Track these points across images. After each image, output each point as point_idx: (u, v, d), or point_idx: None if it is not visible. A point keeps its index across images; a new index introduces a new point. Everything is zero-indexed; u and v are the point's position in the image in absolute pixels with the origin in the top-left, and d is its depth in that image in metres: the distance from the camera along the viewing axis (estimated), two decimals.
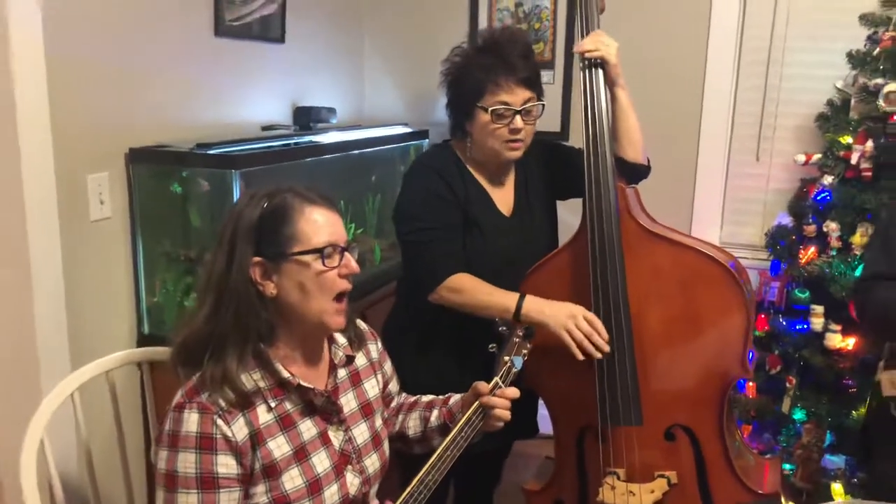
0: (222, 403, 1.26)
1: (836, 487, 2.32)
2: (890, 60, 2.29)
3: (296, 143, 2.50)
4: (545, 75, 1.83)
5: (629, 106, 1.83)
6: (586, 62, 1.77)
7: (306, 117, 2.80)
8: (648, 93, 2.09)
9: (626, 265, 1.74)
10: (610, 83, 1.80)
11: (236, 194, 2.07)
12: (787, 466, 2.41)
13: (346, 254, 1.34)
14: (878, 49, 2.35)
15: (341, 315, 1.35)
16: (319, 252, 1.30)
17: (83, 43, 1.96)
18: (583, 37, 1.81)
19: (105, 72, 2.04)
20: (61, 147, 1.90)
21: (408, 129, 3.18)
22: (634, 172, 1.90)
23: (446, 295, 1.78)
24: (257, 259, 1.29)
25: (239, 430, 1.26)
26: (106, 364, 1.66)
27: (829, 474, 2.38)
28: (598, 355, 1.67)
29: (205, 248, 2.20)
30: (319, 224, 1.31)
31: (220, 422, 1.25)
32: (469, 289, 1.77)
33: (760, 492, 1.78)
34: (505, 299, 1.73)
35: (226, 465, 1.25)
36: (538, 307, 1.71)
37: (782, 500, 1.83)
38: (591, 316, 1.69)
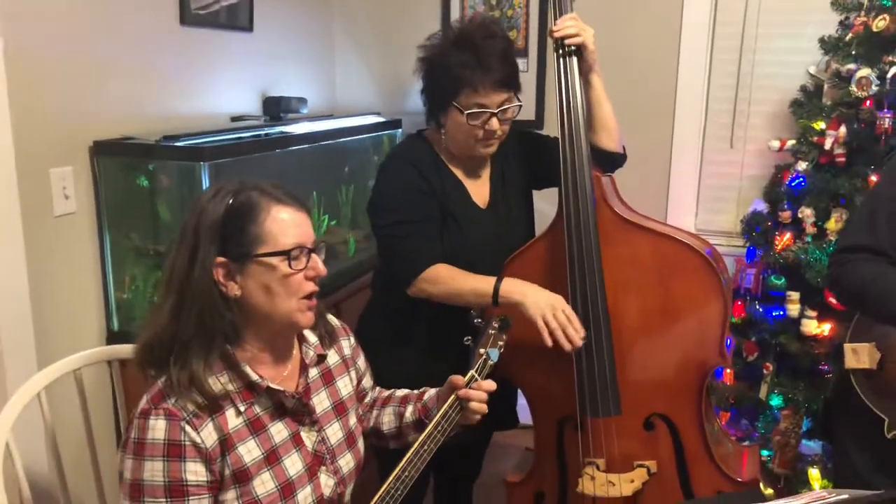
0: (190, 408, 1.22)
1: (814, 473, 2.34)
2: (862, 46, 2.30)
3: (266, 135, 2.44)
4: (518, 63, 1.79)
5: (604, 93, 1.81)
6: (562, 49, 1.75)
7: (276, 108, 2.74)
8: (622, 80, 2.08)
9: (602, 254, 1.72)
10: (586, 70, 1.77)
11: (205, 187, 2.02)
12: (764, 453, 2.42)
13: (314, 255, 1.30)
14: (850, 34, 2.35)
15: (311, 311, 1.32)
16: (286, 254, 1.25)
17: (42, 33, 1.90)
18: (553, 19, 1.78)
19: (67, 63, 1.98)
20: (22, 141, 1.84)
21: (380, 119, 3.14)
22: (610, 161, 1.88)
23: (424, 287, 1.75)
24: (221, 259, 1.24)
25: (208, 435, 1.23)
26: (74, 362, 1.62)
27: (806, 460, 2.40)
28: (568, 347, 1.64)
29: (173, 242, 2.14)
30: (286, 224, 1.26)
31: (188, 428, 1.21)
32: (446, 278, 1.74)
33: (739, 479, 1.79)
34: (483, 283, 1.71)
35: (195, 472, 1.21)
36: (518, 288, 1.68)
37: (761, 486, 1.84)
38: (571, 312, 1.67)
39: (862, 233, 1.58)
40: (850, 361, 1.53)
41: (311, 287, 1.30)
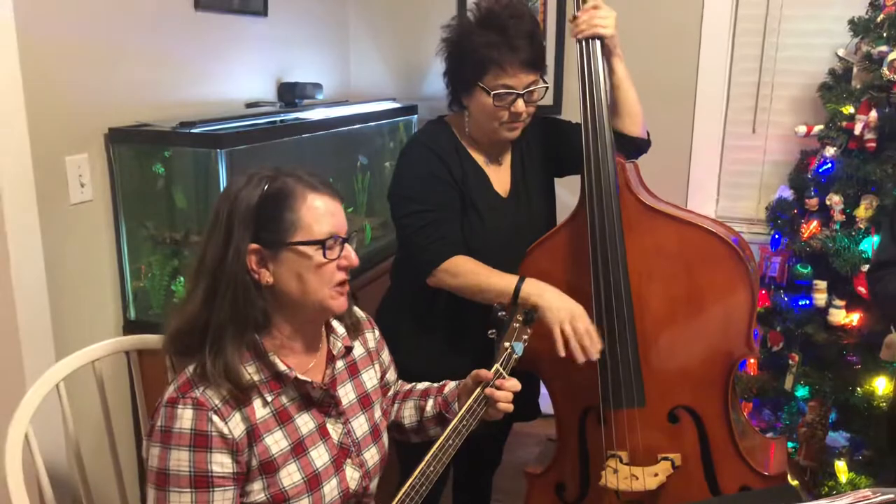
0: (217, 401, 1.20)
1: (840, 465, 2.30)
2: (894, 27, 2.23)
3: (282, 121, 2.42)
4: None
5: (627, 77, 1.77)
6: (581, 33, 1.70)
7: (291, 93, 2.72)
8: (642, 64, 2.03)
9: (626, 242, 1.69)
10: (607, 54, 1.73)
11: (222, 174, 2.00)
12: (789, 444, 2.38)
13: (347, 245, 1.28)
14: (881, 16, 2.28)
15: (343, 297, 1.30)
16: (321, 244, 1.24)
17: (57, 19, 1.87)
18: (578, 7, 1.73)
19: (81, 49, 1.95)
20: (37, 129, 1.82)
21: (396, 105, 3.10)
22: (634, 146, 1.84)
23: (444, 278, 1.72)
24: (255, 246, 1.22)
25: (235, 426, 1.21)
26: (93, 353, 1.60)
27: (832, 452, 2.36)
28: (582, 358, 1.60)
29: (191, 230, 2.14)
30: (321, 212, 1.25)
31: (215, 418, 1.19)
32: (467, 272, 1.71)
33: (766, 473, 1.75)
34: (504, 281, 1.67)
35: (221, 463, 1.20)
36: (539, 290, 1.64)
37: (789, 479, 1.80)
38: (590, 325, 1.62)
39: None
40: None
41: (342, 276, 1.28)
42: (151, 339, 1.64)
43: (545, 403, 1.98)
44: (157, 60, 2.20)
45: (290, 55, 2.88)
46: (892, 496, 1.01)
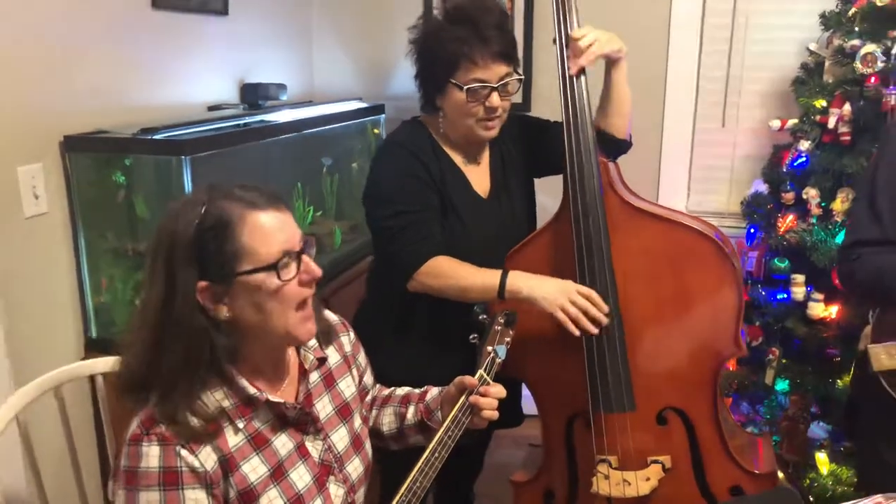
0: (185, 433, 1.12)
1: (821, 457, 2.32)
2: (866, 20, 2.23)
3: (246, 124, 2.33)
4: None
5: (625, 80, 1.77)
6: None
7: (255, 95, 2.63)
8: None
9: (611, 244, 1.66)
10: (611, 63, 1.74)
11: (186, 182, 1.92)
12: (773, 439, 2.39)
13: (304, 257, 1.18)
14: (852, 9, 2.29)
15: (309, 322, 1.21)
16: (273, 267, 1.13)
17: (5, 21, 1.76)
18: (561, 31, 1.68)
19: (32, 52, 1.84)
20: None
21: (363, 104, 3.03)
22: (615, 147, 1.83)
23: (426, 281, 1.67)
24: (203, 284, 1.11)
25: (206, 458, 1.13)
26: (54, 379, 1.51)
27: (813, 444, 2.37)
28: (595, 331, 1.59)
29: (144, 272, 2.04)
30: (266, 232, 1.13)
31: (183, 452, 1.11)
32: (449, 272, 1.66)
33: (756, 472, 1.74)
34: (487, 278, 1.63)
35: (195, 500, 1.12)
36: (526, 283, 1.61)
37: (779, 476, 1.80)
38: (586, 290, 1.61)
39: (866, 226, 1.56)
40: (883, 363, 1.47)
41: (306, 292, 1.19)
42: (116, 361, 1.55)
43: (526, 406, 1.93)
44: (114, 63, 2.10)
45: (253, 55, 2.79)
46: None
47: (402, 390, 1.55)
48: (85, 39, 1.99)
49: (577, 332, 1.59)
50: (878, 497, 1.00)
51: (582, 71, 1.66)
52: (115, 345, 1.75)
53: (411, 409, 1.48)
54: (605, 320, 1.61)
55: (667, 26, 2.89)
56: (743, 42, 2.85)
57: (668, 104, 2.96)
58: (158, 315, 1.12)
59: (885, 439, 1.58)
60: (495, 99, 1.66)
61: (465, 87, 1.64)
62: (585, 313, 1.58)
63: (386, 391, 1.55)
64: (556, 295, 1.59)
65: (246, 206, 1.13)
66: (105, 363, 1.58)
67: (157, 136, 1.95)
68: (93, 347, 2.01)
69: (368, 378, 1.52)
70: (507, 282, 1.61)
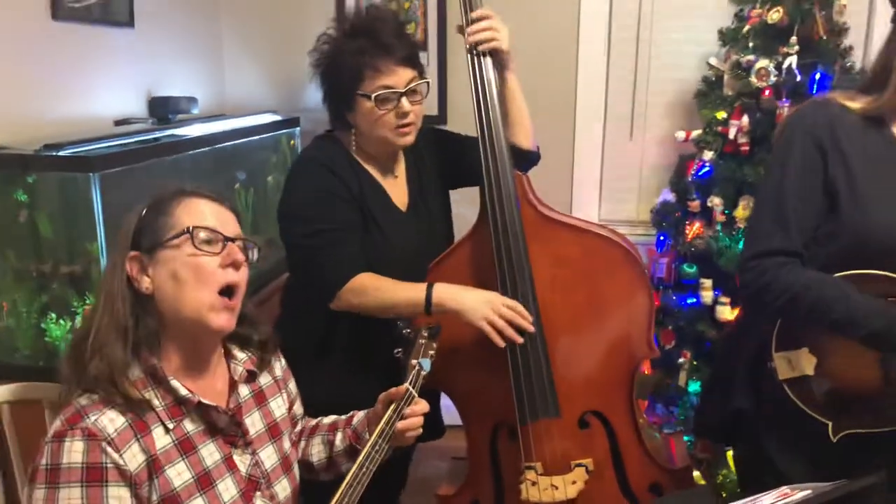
0: (111, 430, 1.09)
1: (732, 455, 2.40)
2: (759, 37, 2.36)
3: (156, 139, 2.25)
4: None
5: (519, 90, 1.78)
6: (476, 48, 1.69)
7: (164, 108, 2.55)
8: (523, 75, 2.03)
9: (530, 254, 1.68)
10: (500, 67, 1.73)
11: (96, 200, 1.84)
12: (686, 438, 2.46)
13: (231, 245, 1.20)
14: (746, 26, 2.42)
15: (225, 312, 1.20)
16: (188, 232, 1.17)
17: None
18: (465, 17, 1.71)
19: None
20: None
21: (277, 117, 2.99)
22: (525, 159, 1.85)
23: (350, 299, 1.65)
24: (133, 253, 1.19)
25: (132, 457, 1.11)
26: None
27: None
28: (521, 340, 1.61)
29: (60, 261, 1.95)
30: (200, 210, 1.21)
31: (109, 449, 1.09)
32: (372, 289, 1.65)
33: (673, 468, 1.80)
34: (412, 292, 1.63)
35: (119, 497, 1.09)
36: (451, 295, 1.62)
37: (694, 472, 1.86)
38: (510, 301, 1.63)
39: (771, 234, 1.44)
40: (786, 371, 1.48)
41: (227, 277, 1.19)
42: (26, 389, 1.47)
43: (447, 417, 1.94)
44: (13, 76, 2.00)
45: (161, 68, 2.71)
46: (809, 492, 1.05)
47: (328, 419, 1.53)
48: None
49: (502, 344, 1.60)
50: (785, 488, 1.05)
51: (482, 55, 1.68)
52: (22, 371, 1.67)
53: (339, 436, 1.47)
54: (530, 329, 1.63)
55: (575, 42, 2.97)
56: (648, 57, 2.97)
57: (578, 117, 3.04)
58: (100, 286, 1.21)
59: (781, 450, 1.53)
60: (405, 104, 1.66)
61: (374, 96, 1.63)
62: (510, 323, 1.60)
63: (313, 422, 1.53)
64: (482, 306, 1.60)
65: (189, 194, 1.23)
66: (9, 391, 1.49)
67: (62, 153, 1.87)
68: None
69: (298, 408, 1.50)
70: (432, 295, 1.61)
